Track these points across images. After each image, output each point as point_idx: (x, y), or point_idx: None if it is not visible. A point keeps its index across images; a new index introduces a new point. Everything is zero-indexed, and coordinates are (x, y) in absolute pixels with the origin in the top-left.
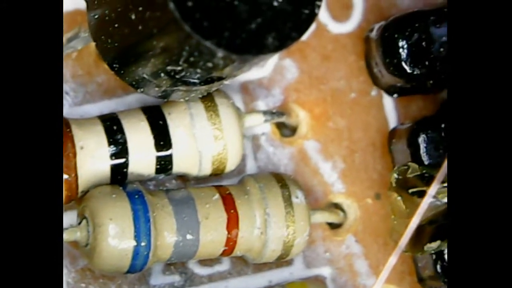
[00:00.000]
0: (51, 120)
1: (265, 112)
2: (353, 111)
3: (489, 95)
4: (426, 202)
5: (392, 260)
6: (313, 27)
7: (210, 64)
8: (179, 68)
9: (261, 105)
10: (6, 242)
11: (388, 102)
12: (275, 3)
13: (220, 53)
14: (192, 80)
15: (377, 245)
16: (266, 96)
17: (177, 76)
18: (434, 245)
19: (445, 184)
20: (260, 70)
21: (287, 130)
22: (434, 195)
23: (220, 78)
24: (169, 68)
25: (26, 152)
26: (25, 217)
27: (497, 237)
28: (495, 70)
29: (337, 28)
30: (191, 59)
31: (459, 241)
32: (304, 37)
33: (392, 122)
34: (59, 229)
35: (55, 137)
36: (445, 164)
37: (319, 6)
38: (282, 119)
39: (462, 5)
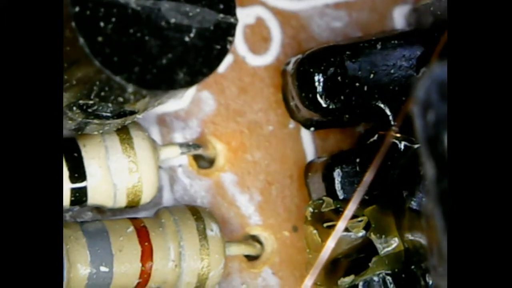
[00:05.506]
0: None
1: (181, 145)
2: (271, 143)
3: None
4: (335, 236)
5: None
6: (230, 59)
7: (121, 99)
8: (91, 102)
9: (178, 137)
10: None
11: (306, 135)
12: (187, 39)
13: (130, 89)
14: (104, 114)
15: (294, 277)
16: (183, 128)
17: (90, 110)
18: (348, 279)
19: (360, 219)
20: (177, 102)
21: (204, 162)
22: (348, 228)
23: (133, 112)
24: (81, 102)
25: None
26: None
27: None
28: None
29: (255, 60)
30: (102, 93)
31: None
32: (222, 69)
33: (310, 155)
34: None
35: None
36: (355, 198)
37: (231, 42)
38: (199, 151)
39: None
